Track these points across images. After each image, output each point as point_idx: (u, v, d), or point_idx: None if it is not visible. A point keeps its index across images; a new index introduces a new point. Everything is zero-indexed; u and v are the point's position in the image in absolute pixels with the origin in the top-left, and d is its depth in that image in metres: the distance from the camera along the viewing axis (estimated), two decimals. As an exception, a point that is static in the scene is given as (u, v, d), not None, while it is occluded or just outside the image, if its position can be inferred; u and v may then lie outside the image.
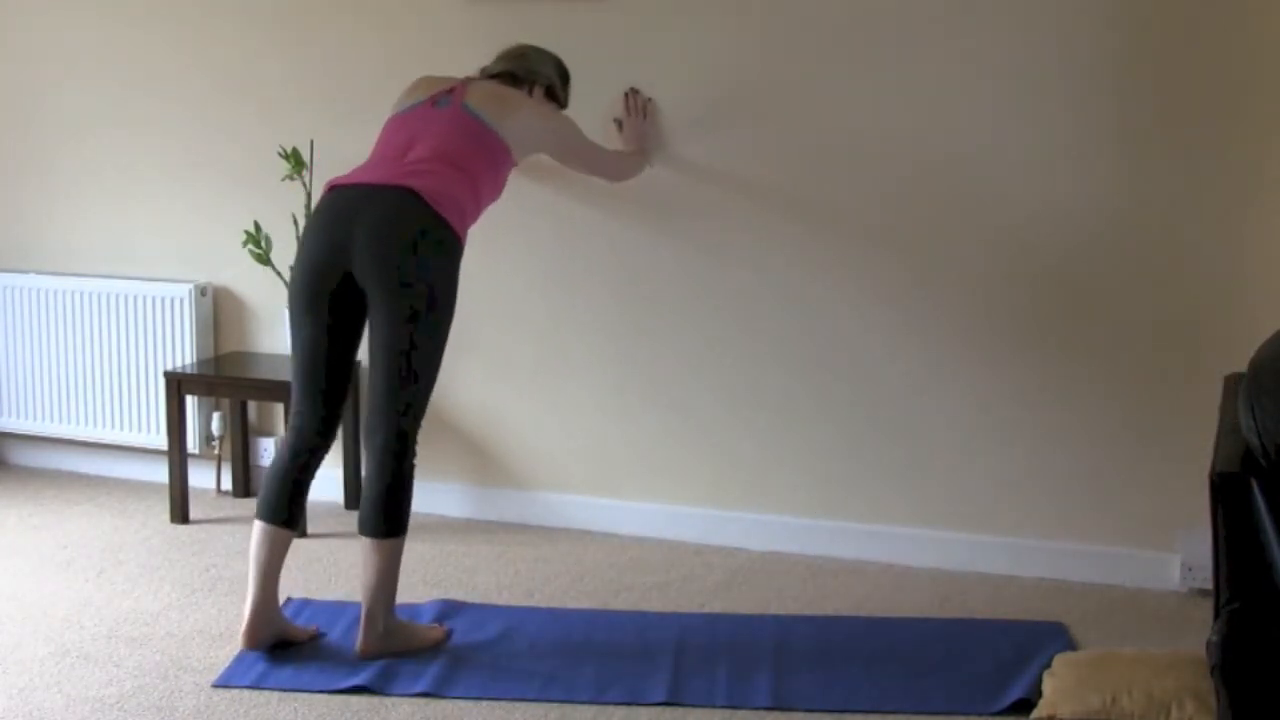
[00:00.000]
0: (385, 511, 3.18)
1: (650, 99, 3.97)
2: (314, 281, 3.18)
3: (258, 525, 3.25)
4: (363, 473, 3.25)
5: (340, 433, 4.26)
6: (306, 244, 3.22)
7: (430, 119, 3.34)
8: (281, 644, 3.27)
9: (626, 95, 3.97)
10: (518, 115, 3.42)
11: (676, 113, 3.99)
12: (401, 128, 3.37)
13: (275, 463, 3.28)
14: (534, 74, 3.62)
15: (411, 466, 3.22)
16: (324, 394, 3.25)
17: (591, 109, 3.96)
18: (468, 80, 3.47)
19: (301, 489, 3.28)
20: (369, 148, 3.95)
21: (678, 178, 4.00)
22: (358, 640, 3.22)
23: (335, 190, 3.26)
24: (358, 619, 3.27)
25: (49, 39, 4.63)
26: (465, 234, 3.26)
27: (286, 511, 3.25)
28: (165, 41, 4.47)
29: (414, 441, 3.21)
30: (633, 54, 4.01)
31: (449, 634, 3.35)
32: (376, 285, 3.12)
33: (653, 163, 3.97)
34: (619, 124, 3.97)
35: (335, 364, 3.24)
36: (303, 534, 4.11)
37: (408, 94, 3.48)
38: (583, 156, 3.71)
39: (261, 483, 3.30)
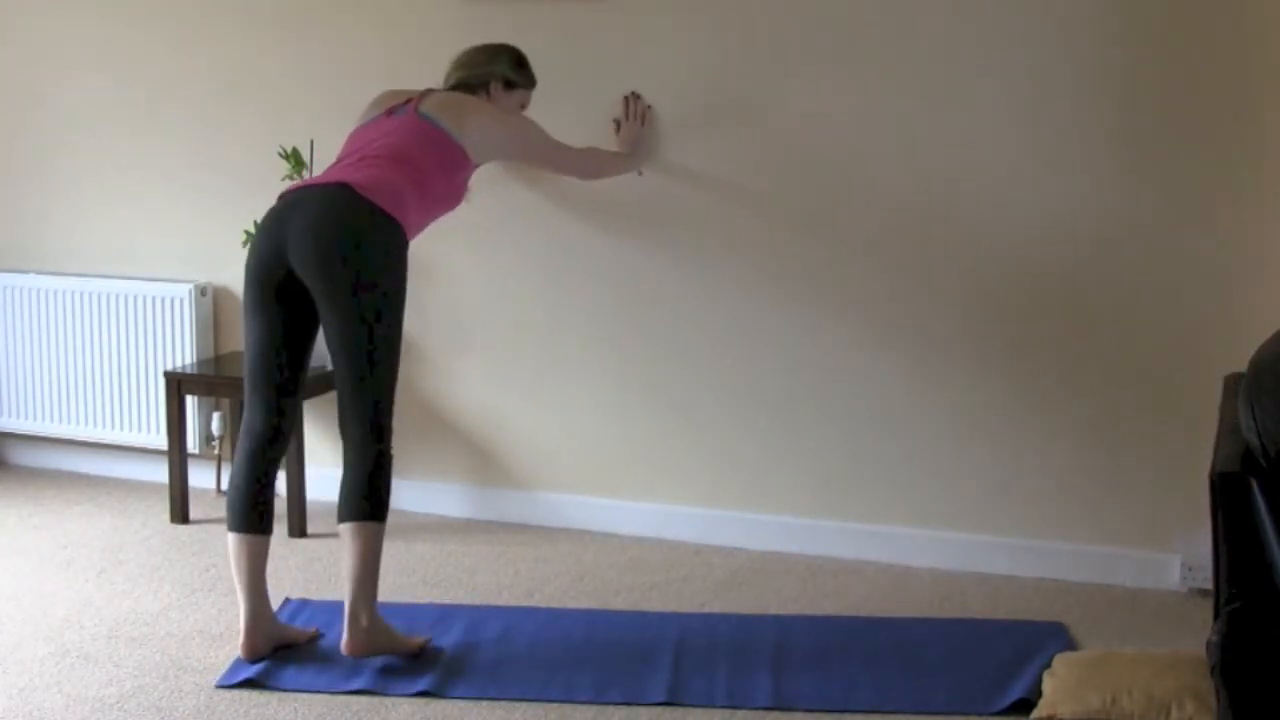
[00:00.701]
0: (366, 494, 3.15)
1: (650, 106, 3.97)
2: (260, 283, 3.19)
3: (232, 537, 3.24)
4: (343, 464, 3.22)
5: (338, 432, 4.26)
6: (252, 248, 3.24)
7: (383, 126, 3.38)
8: (282, 647, 3.27)
9: (627, 99, 3.97)
10: (472, 119, 3.43)
11: (675, 114, 3.99)
12: (356, 138, 3.42)
13: (235, 471, 3.27)
14: (486, 74, 3.63)
15: (389, 453, 3.21)
16: (276, 394, 3.23)
17: (589, 108, 3.97)
18: (426, 91, 3.50)
19: (265, 492, 3.27)
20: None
21: (676, 179, 4.00)
22: (343, 639, 3.17)
23: (281, 196, 3.30)
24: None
25: (49, 38, 4.64)
26: (408, 220, 3.25)
27: (257, 518, 3.24)
28: (165, 41, 4.48)
29: (389, 428, 3.21)
30: (631, 54, 4.01)
31: (429, 642, 3.29)
32: (318, 282, 3.12)
33: (643, 170, 3.97)
34: (617, 125, 3.97)
35: (287, 363, 3.23)
36: (302, 534, 4.12)
37: (368, 109, 3.52)
38: (549, 157, 3.72)
39: (226, 493, 3.30)
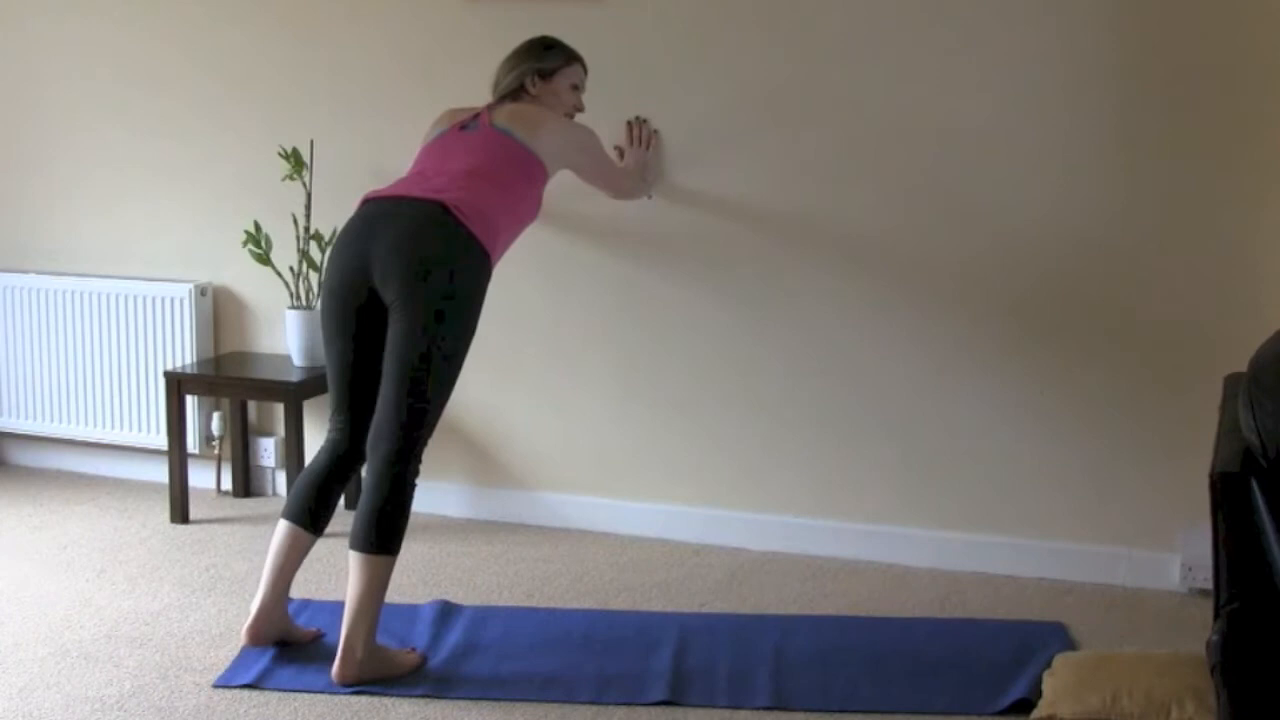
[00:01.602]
0: (379, 526, 3.08)
1: (656, 131, 3.96)
2: (342, 295, 3.14)
3: (281, 524, 3.23)
4: (364, 483, 3.17)
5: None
6: (335, 257, 3.18)
7: (461, 140, 3.33)
8: (282, 643, 3.27)
9: (630, 124, 3.95)
10: (544, 129, 3.39)
11: (676, 115, 3.98)
12: (433, 152, 3.36)
13: (311, 465, 3.26)
14: (517, 78, 3.52)
15: (413, 484, 3.14)
16: (356, 408, 3.20)
17: (591, 110, 3.96)
18: (490, 106, 3.46)
19: (331, 495, 3.25)
20: (370, 148, 3.96)
21: (678, 180, 4.00)
22: (334, 667, 3.11)
23: (368, 203, 3.23)
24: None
25: (49, 38, 4.63)
26: (497, 250, 3.21)
27: (312, 514, 3.22)
28: (166, 41, 4.48)
29: (419, 458, 3.13)
30: (633, 53, 4.01)
31: (424, 659, 3.25)
32: (396, 297, 3.06)
33: (652, 195, 3.97)
34: (620, 153, 3.94)
35: (366, 378, 3.17)
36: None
37: (433, 126, 3.48)
38: (601, 168, 3.68)
39: (294, 483, 3.29)
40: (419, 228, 3.10)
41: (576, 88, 3.63)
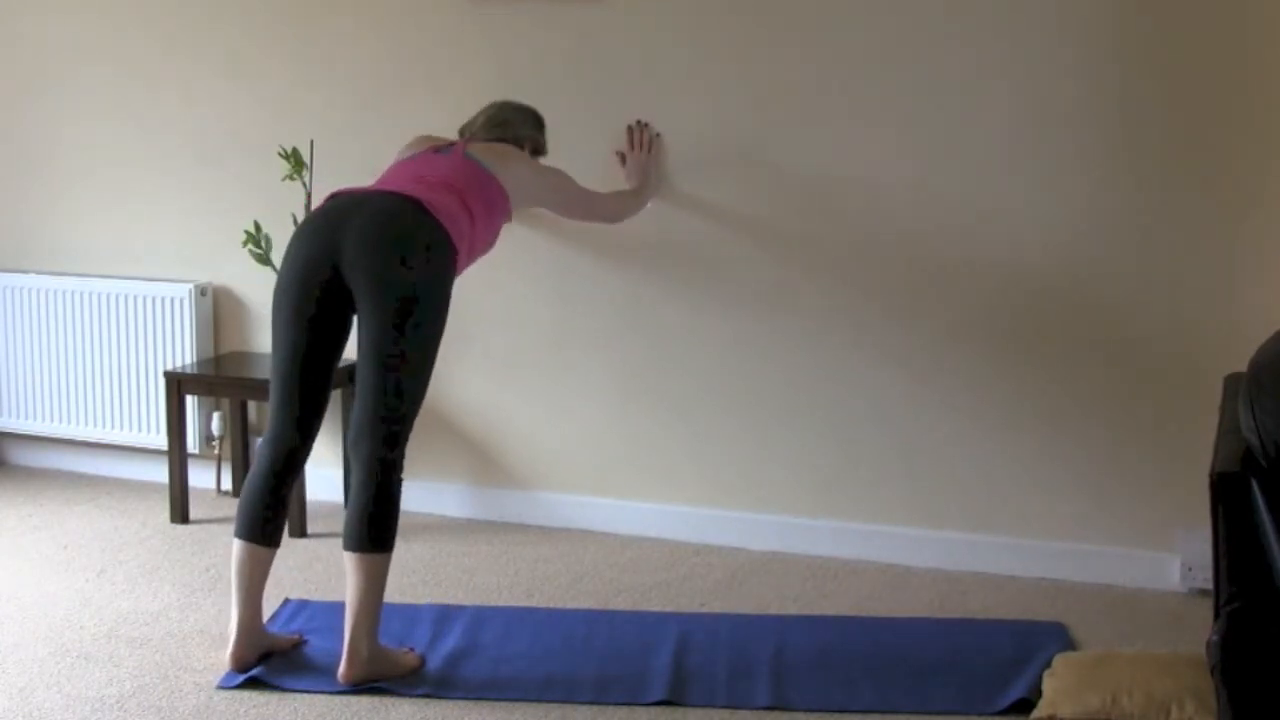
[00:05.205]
0: (371, 524, 3.06)
1: (658, 134, 3.96)
2: (302, 284, 3.10)
3: (237, 544, 3.18)
4: (351, 484, 3.13)
5: (339, 431, 4.27)
6: (296, 246, 3.15)
7: (435, 161, 3.37)
8: (267, 655, 3.24)
9: (630, 129, 3.96)
10: (513, 166, 3.47)
11: (677, 118, 3.98)
12: (406, 165, 3.40)
13: (252, 478, 3.20)
14: (519, 139, 3.66)
15: (400, 479, 3.12)
16: (304, 404, 3.16)
17: (592, 110, 3.97)
18: (467, 139, 3.54)
19: (281, 504, 3.21)
20: (369, 148, 3.96)
21: (678, 184, 4.00)
22: (341, 667, 3.10)
23: (336, 196, 3.23)
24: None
25: (49, 38, 4.63)
26: (462, 253, 3.22)
27: (265, 530, 3.18)
28: (166, 40, 4.48)
29: (403, 452, 3.11)
30: (633, 54, 4.01)
31: (424, 659, 3.24)
32: (366, 288, 3.05)
33: (652, 200, 3.97)
34: (622, 158, 3.96)
35: (318, 373, 3.15)
36: (302, 533, 4.12)
37: (406, 149, 3.53)
38: (579, 203, 3.77)
39: (240, 498, 3.24)
40: (392, 216, 3.11)
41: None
